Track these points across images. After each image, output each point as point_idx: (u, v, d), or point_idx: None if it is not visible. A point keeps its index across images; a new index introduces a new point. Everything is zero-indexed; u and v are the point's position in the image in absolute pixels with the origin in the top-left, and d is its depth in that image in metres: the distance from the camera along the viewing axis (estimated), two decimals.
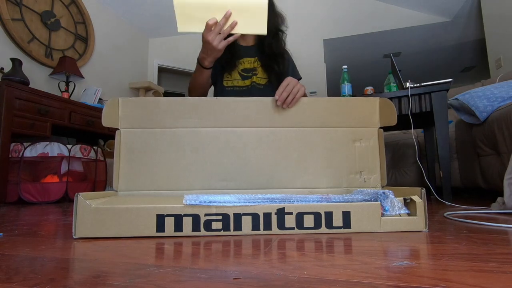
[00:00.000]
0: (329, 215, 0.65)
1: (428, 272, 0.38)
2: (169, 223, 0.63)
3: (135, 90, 3.57)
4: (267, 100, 0.95)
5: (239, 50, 1.20)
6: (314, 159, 0.94)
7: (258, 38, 1.22)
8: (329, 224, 0.64)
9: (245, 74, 1.20)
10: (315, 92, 3.85)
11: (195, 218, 0.63)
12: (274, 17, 1.19)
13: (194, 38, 3.99)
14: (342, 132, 0.95)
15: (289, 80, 0.92)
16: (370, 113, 0.97)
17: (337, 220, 0.65)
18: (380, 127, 0.97)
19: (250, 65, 1.21)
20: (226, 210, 0.64)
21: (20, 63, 2.07)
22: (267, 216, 0.64)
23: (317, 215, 0.64)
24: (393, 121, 0.94)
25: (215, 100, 0.94)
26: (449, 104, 1.57)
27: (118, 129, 0.92)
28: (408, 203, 0.68)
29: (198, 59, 1.03)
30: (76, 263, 0.45)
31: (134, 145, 0.91)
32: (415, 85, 1.52)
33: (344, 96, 1.69)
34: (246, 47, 1.23)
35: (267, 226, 0.64)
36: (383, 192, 0.67)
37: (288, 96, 0.90)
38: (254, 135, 0.94)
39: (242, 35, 1.13)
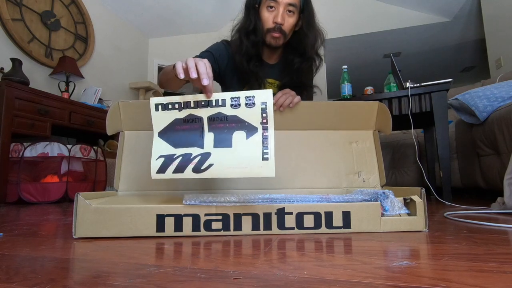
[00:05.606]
0: (329, 215, 0.65)
1: (428, 272, 0.38)
2: (169, 223, 0.63)
3: (135, 90, 3.56)
4: None
5: (264, 68, 1.06)
6: (313, 160, 0.95)
7: (284, 56, 1.06)
8: (329, 224, 0.64)
9: None
10: (315, 93, 3.84)
11: (195, 218, 0.63)
12: (313, 34, 1.03)
13: (194, 38, 3.99)
14: (339, 134, 0.98)
15: (287, 91, 0.95)
16: (367, 117, 0.98)
17: (337, 220, 0.65)
18: (376, 130, 0.99)
19: (273, 89, 1.08)
20: (226, 210, 0.64)
21: (20, 63, 2.06)
22: (267, 216, 0.64)
23: (317, 215, 0.64)
24: (388, 131, 0.95)
25: None
26: (449, 104, 1.56)
27: (121, 130, 0.92)
28: (408, 203, 0.68)
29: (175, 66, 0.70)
30: (76, 263, 0.45)
31: (137, 146, 0.92)
32: (415, 85, 1.52)
33: (344, 96, 1.69)
34: (270, 65, 1.09)
35: (267, 226, 0.64)
36: (383, 192, 0.67)
37: (285, 100, 0.92)
38: None
39: (268, 52, 1.05)
